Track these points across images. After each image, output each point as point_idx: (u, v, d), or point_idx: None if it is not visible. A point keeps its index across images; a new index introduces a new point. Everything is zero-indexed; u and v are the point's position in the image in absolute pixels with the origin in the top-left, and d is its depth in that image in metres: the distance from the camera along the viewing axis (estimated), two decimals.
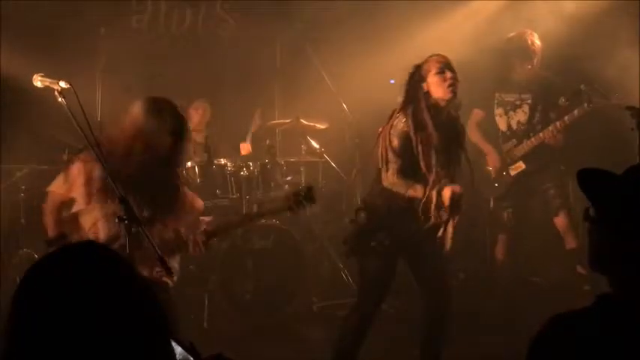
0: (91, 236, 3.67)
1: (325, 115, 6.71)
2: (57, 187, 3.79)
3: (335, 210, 6.99)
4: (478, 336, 5.32)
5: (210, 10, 7.76)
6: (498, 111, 6.13)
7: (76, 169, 3.72)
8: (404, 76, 4.18)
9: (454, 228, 4.11)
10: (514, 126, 6.07)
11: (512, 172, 6.02)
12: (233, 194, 6.17)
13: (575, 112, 5.61)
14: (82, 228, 3.72)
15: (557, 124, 5.75)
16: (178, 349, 1.55)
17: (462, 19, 6.94)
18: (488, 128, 6.20)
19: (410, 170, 4.08)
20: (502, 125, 6.12)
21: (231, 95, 7.34)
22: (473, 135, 6.10)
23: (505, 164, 6.05)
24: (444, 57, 4.14)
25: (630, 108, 4.52)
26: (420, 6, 6.82)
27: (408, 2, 6.89)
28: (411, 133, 4.04)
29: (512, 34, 6.09)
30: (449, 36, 6.67)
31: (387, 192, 4.12)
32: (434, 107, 4.09)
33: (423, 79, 4.09)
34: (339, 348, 4.28)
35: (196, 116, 6.87)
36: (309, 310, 6.03)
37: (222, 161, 6.27)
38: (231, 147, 6.96)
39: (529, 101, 6.00)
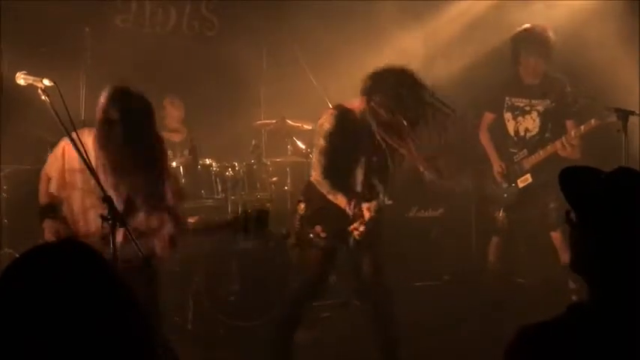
0: (81, 223, 3.73)
1: (311, 115, 6.68)
2: (46, 165, 3.90)
3: None
4: (462, 332, 5.34)
5: (195, 10, 7.73)
6: (507, 115, 6.01)
7: (60, 151, 3.79)
8: None
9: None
10: (522, 132, 5.95)
11: (520, 185, 5.93)
12: (218, 195, 6.14)
13: (592, 121, 5.38)
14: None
15: (569, 135, 5.58)
16: None
17: (449, 20, 6.93)
18: (497, 131, 6.11)
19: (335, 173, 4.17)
20: (511, 130, 6.00)
21: (217, 95, 7.29)
22: (483, 138, 6.14)
23: (514, 175, 5.97)
24: None
25: (618, 110, 4.52)
26: (408, 7, 6.81)
27: (396, 2, 6.88)
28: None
29: (526, 26, 5.87)
30: (436, 36, 6.67)
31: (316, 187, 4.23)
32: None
33: None
34: (273, 338, 4.41)
35: (173, 112, 6.86)
36: None
37: (207, 161, 6.23)
38: (215, 147, 6.92)
39: (539, 108, 5.87)
